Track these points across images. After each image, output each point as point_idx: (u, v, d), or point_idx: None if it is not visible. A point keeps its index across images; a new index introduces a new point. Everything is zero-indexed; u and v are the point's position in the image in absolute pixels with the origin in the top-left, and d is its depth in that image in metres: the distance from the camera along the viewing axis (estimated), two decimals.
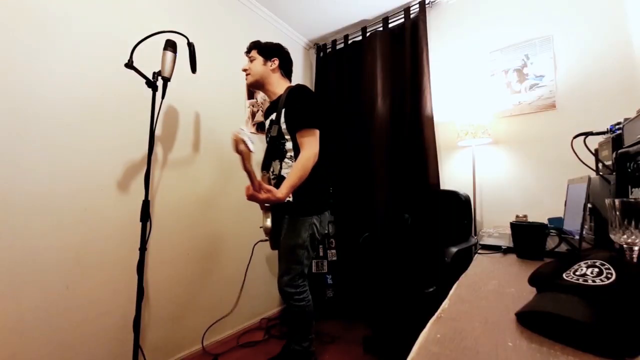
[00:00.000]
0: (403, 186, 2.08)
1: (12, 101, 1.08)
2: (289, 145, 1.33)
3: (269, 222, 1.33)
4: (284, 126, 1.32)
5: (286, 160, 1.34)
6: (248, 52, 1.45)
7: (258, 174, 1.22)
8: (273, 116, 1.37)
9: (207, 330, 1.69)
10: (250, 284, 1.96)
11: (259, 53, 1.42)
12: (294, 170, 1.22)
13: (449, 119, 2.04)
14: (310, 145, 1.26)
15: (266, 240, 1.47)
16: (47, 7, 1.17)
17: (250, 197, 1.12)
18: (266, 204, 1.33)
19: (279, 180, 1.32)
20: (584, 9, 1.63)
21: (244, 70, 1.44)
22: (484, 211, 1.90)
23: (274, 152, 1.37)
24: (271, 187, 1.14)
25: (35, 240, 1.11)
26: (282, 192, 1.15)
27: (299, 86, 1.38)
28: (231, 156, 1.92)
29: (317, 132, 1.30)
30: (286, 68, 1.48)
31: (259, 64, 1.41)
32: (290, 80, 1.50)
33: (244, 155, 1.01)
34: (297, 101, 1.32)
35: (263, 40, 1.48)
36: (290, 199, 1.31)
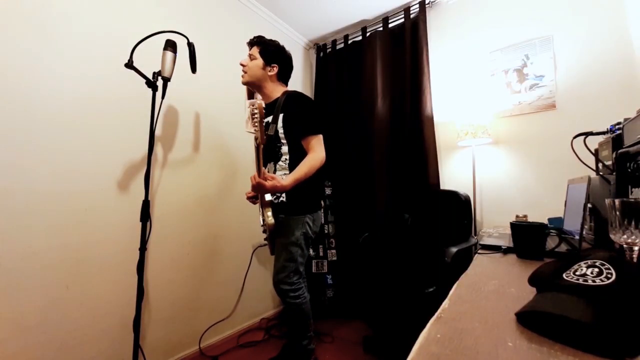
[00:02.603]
0: (403, 186, 2.08)
1: (12, 101, 1.08)
2: (284, 149, 1.34)
3: (271, 219, 1.29)
4: (281, 130, 1.32)
5: (280, 163, 1.35)
6: (250, 45, 1.43)
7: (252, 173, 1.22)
8: (269, 119, 1.35)
9: (207, 331, 1.68)
10: (249, 284, 1.96)
11: (261, 54, 1.39)
12: (301, 166, 1.24)
13: (449, 119, 2.04)
14: (320, 148, 1.31)
15: (265, 244, 1.45)
16: (47, 7, 1.17)
17: (257, 185, 1.12)
18: (267, 199, 1.32)
19: None
20: (584, 9, 1.63)
21: (242, 65, 1.42)
22: (484, 211, 1.90)
23: (269, 154, 1.36)
24: (275, 176, 1.15)
25: (36, 240, 1.11)
26: (287, 181, 1.17)
27: (296, 93, 1.38)
28: (231, 156, 1.93)
29: (321, 137, 1.34)
30: (285, 75, 1.47)
31: (257, 67, 1.39)
32: (287, 85, 1.49)
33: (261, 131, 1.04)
34: (298, 108, 1.32)
35: None
36: (284, 199, 1.32)
